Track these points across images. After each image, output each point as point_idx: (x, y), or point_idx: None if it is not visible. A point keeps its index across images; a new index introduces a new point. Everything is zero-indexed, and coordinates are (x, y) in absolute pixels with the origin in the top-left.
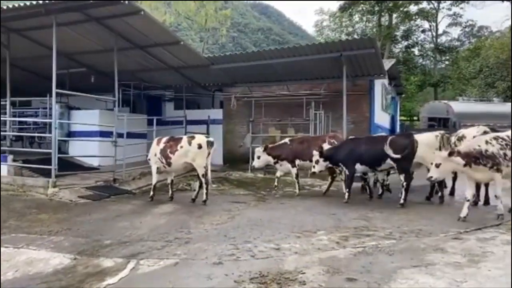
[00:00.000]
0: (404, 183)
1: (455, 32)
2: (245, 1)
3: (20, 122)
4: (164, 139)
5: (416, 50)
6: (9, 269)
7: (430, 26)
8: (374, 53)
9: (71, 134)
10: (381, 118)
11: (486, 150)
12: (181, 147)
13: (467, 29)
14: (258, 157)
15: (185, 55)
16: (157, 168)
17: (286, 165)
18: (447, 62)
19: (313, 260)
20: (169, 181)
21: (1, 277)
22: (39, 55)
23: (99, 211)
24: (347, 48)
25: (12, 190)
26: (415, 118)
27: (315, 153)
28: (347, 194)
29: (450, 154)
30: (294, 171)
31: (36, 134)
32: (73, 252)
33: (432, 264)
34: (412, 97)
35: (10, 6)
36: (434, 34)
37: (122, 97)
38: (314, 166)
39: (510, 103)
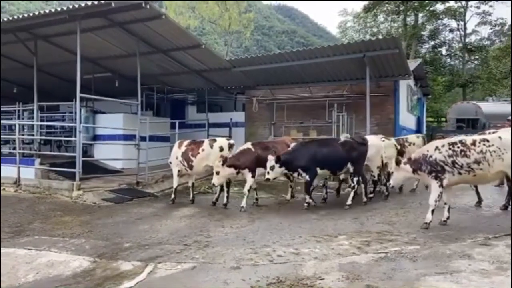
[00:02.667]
0: (356, 186)
1: (485, 31)
2: (269, 1)
3: (48, 126)
4: (186, 142)
5: (443, 50)
6: (31, 271)
7: (458, 25)
8: (398, 53)
9: (96, 137)
10: (407, 120)
11: (430, 156)
12: (203, 150)
13: (497, 28)
14: (217, 173)
15: (207, 58)
16: (178, 171)
17: (246, 174)
18: (476, 62)
19: (333, 266)
20: (190, 184)
21: (23, 279)
22: (66, 60)
23: (121, 214)
24: (370, 49)
25: (39, 193)
26: (442, 119)
27: (270, 158)
28: (309, 200)
29: (397, 163)
30: (251, 181)
31: (62, 138)
32: (93, 255)
33: (458, 272)
34: (439, 98)
35: (36, 13)
36: (462, 33)
37: (146, 101)
38: (268, 172)
39: None
